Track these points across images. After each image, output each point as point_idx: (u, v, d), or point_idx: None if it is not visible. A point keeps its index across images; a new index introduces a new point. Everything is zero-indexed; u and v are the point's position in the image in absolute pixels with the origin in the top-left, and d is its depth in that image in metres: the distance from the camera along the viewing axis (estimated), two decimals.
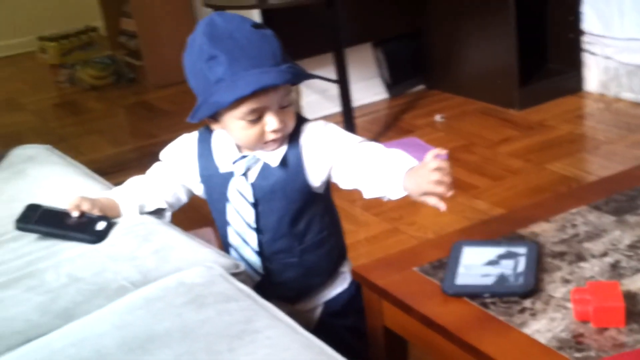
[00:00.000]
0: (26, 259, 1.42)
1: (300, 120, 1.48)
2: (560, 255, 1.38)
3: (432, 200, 1.31)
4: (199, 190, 1.55)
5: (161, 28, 4.67)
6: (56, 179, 1.76)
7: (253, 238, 1.46)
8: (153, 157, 3.46)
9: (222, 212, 1.49)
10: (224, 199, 1.47)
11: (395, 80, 3.91)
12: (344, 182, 1.47)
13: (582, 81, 3.61)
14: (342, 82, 3.16)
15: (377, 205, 2.74)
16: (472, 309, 1.26)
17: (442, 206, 1.31)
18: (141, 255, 1.37)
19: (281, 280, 1.51)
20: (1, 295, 1.30)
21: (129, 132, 4.19)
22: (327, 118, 3.67)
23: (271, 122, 1.37)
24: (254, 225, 1.46)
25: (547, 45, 3.74)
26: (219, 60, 1.33)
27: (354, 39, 3.59)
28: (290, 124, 1.42)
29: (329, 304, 1.58)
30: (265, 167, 1.45)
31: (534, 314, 1.22)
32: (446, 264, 1.37)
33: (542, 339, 1.16)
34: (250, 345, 1.04)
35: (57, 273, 1.34)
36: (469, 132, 3.36)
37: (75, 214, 1.47)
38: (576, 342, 1.15)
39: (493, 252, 1.38)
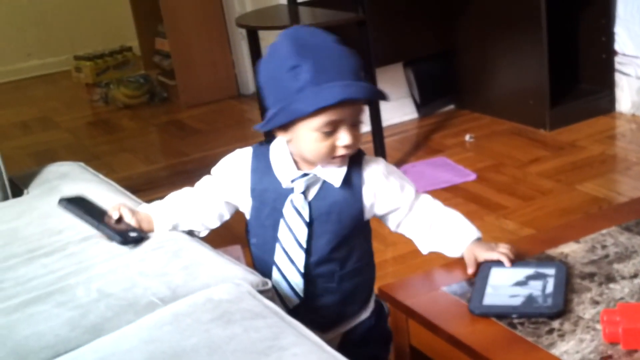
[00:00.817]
0: (57, 274, 1.43)
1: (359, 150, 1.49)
2: (590, 276, 1.37)
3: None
4: (245, 206, 1.53)
5: (194, 48, 4.72)
6: (88, 196, 1.78)
7: (301, 258, 1.45)
8: (184, 175, 3.50)
9: (272, 228, 1.47)
10: (276, 215, 1.46)
11: (425, 100, 3.91)
12: (396, 228, 1.53)
13: (614, 102, 3.58)
14: (372, 102, 3.17)
15: None
16: (500, 330, 1.26)
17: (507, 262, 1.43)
18: (170, 271, 1.38)
19: (318, 305, 1.49)
20: (32, 310, 1.31)
21: (161, 151, 4.23)
22: None
23: (344, 137, 1.37)
24: (304, 245, 1.44)
25: (579, 66, 3.73)
26: (303, 69, 1.33)
27: (384, 59, 3.60)
28: (359, 143, 1.42)
29: (348, 332, 1.56)
30: (325, 187, 1.44)
31: (562, 335, 1.22)
32: (474, 284, 1.36)
33: None
34: None
35: (88, 288, 1.36)
36: (498, 152, 3.35)
37: (115, 214, 1.53)
38: None
39: (521, 272, 1.38)
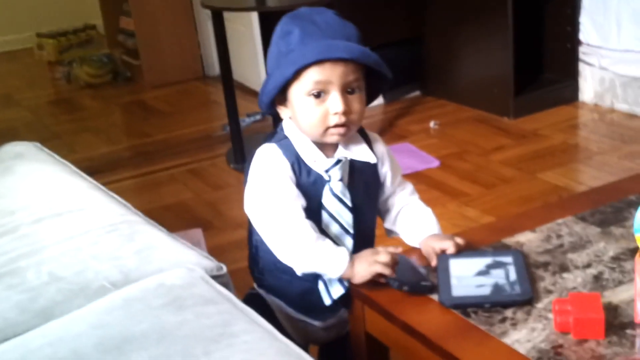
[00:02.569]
0: (8, 256, 1.41)
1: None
2: (544, 265, 1.37)
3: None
4: None
5: (160, 28, 4.67)
6: (43, 177, 1.75)
7: (350, 245, 1.42)
8: (147, 157, 3.44)
9: (315, 221, 1.38)
10: (316, 207, 1.39)
11: (391, 86, 3.90)
12: (378, 204, 1.52)
13: (578, 91, 3.61)
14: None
15: None
16: (453, 318, 1.26)
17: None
18: (123, 255, 1.36)
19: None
20: None
21: (124, 131, 4.18)
22: None
23: (334, 102, 1.32)
24: (352, 230, 1.42)
25: (544, 55, 3.75)
26: (293, 34, 1.32)
27: None
28: (357, 114, 1.36)
29: None
30: (355, 168, 1.42)
31: (514, 324, 1.22)
32: (436, 276, 1.35)
33: (522, 349, 1.16)
34: (227, 349, 1.03)
35: (39, 271, 1.33)
36: (462, 139, 3.36)
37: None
38: (555, 353, 1.14)
39: (480, 262, 1.37)
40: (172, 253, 1.37)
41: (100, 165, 3.42)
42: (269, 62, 1.39)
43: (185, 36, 4.75)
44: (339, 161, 1.39)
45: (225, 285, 1.28)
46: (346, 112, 1.34)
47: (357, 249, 1.42)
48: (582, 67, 3.57)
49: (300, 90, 1.34)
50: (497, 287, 1.29)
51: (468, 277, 1.33)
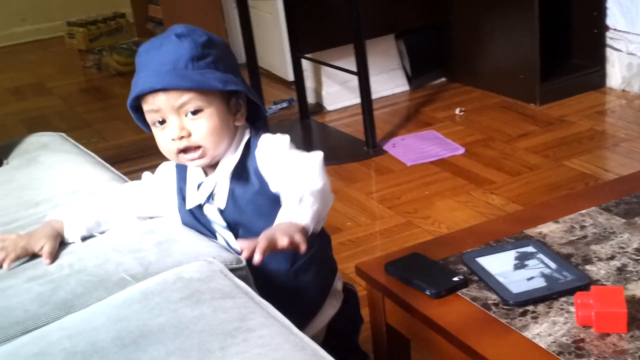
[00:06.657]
0: None
1: (257, 134, 1.40)
2: (567, 257, 1.36)
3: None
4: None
5: (187, 16, 4.65)
6: (67, 168, 1.77)
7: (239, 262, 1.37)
8: None
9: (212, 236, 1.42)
10: (210, 229, 1.41)
11: (417, 73, 3.87)
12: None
13: (605, 77, 3.55)
14: (362, 74, 3.14)
15: (392, 199, 2.74)
16: (475, 311, 1.25)
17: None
18: (144, 247, 1.37)
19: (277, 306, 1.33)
20: (3, 285, 1.30)
21: None
22: (347, 109, 3.68)
23: (169, 128, 1.32)
24: (237, 247, 1.34)
25: (571, 40, 3.69)
26: (137, 64, 1.35)
27: (376, 31, 3.56)
28: (204, 135, 1.32)
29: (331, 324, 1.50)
30: (233, 184, 1.37)
31: (536, 318, 1.21)
32: (474, 277, 1.32)
33: (543, 343, 1.15)
34: (243, 344, 1.04)
35: (60, 263, 1.34)
36: (488, 126, 3.32)
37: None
38: (576, 347, 1.13)
39: (507, 256, 1.35)
40: (192, 245, 1.37)
41: (129, 152, 3.44)
42: None
43: (212, 24, 4.74)
44: (200, 184, 1.40)
45: (243, 278, 1.27)
46: (186, 136, 1.32)
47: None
48: (609, 52, 3.52)
49: (149, 121, 1.37)
50: (548, 277, 1.28)
51: (509, 272, 1.31)
